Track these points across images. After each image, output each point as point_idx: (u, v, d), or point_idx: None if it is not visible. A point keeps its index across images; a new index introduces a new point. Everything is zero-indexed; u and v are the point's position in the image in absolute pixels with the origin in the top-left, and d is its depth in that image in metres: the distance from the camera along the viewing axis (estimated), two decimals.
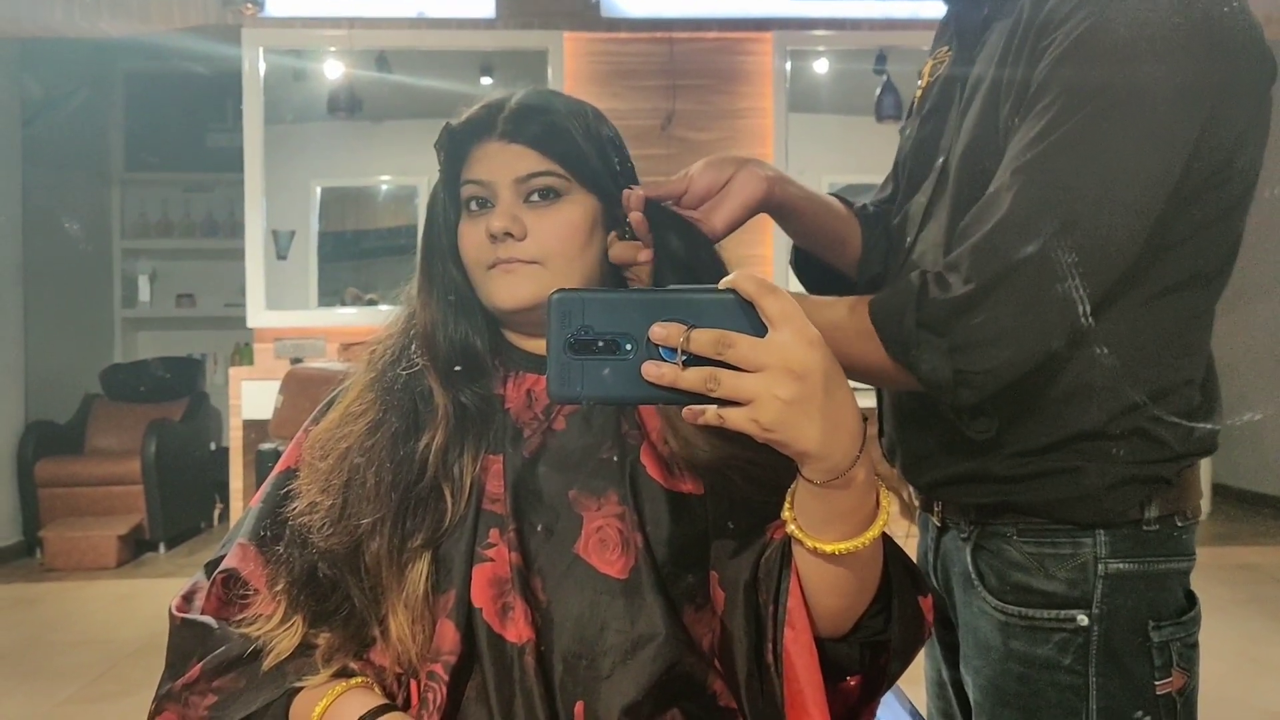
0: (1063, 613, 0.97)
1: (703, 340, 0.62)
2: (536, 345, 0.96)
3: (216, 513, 5.51)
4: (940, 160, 1.04)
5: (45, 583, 4.38)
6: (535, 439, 0.92)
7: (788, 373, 0.62)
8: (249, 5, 3.98)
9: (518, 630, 0.85)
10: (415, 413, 0.92)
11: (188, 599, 0.97)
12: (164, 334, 6.25)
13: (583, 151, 0.94)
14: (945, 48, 1.13)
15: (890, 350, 0.89)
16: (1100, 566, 0.97)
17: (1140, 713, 0.96)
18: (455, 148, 0.95)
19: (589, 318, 0.64)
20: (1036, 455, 0.96)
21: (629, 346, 0.63)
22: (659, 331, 0.63)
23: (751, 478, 0.87)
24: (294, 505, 0.91)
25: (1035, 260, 0.85)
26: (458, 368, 0.93)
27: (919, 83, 1.15)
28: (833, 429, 0.65)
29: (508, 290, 0.91)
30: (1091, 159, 0.86)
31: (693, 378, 0.62)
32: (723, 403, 0.63)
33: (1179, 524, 1.00)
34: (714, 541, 0.88)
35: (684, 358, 0.63)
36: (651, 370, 0.63)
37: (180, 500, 5.10)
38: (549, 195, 0.92)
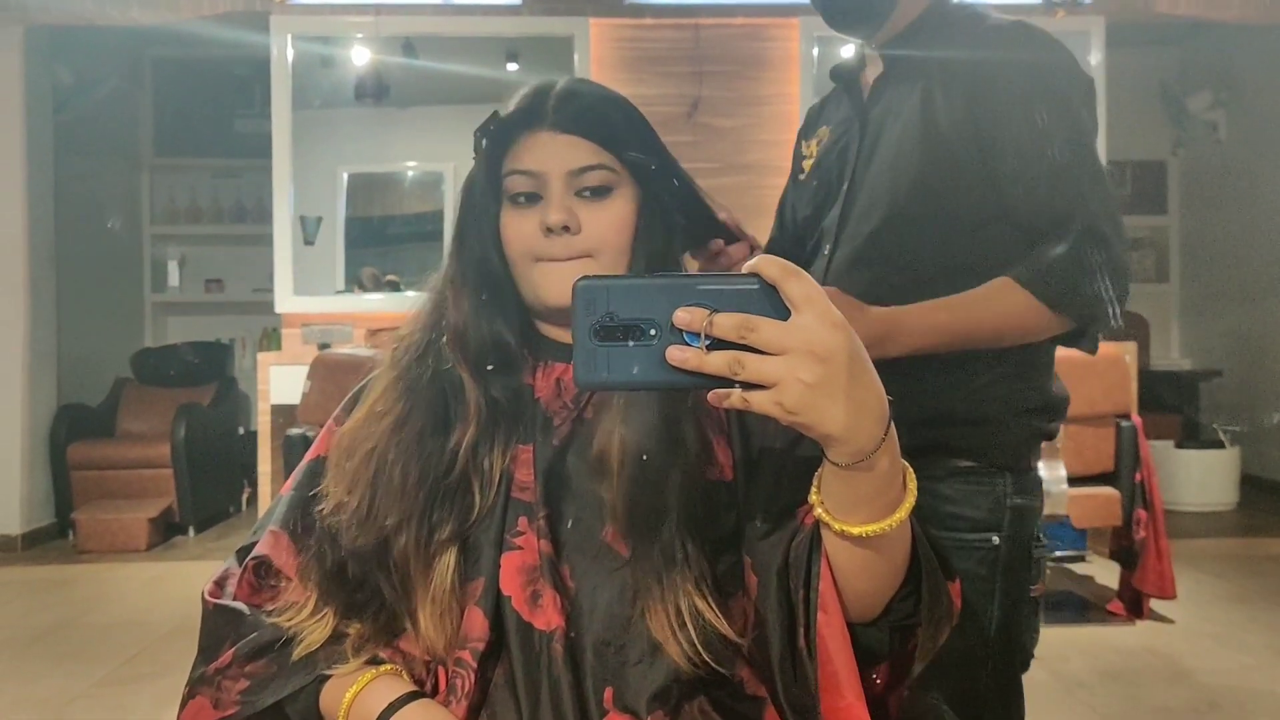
0: (981, 535, 1.29)
1: (726, 324, 0.63)
2: (568, 336, 0.96)
3: (245, 497, 5.57)
4: (844, 186, 1.39)
5: (78, 565, 4.45)
6: (565, 428, 0.93)
7: (811, 355, 0.63)
8: None
9: (546, 618, 0.86)
10: (445, 408, 0.92)
11: (220, 584, 0.98)
12: (193, 319, 6.31)
13: (632, 143, 0.93)
14: (824, 128, 1.50)
15: (1058, 303, 1.23)
16: (1008, 500, 1.31)
17: (1023, 607, 1.31)
18: (502, 136, 0.93)
19: (613, 304, 0.64)
20: (976, 416, 1.27)
21: (653, 332, 0.64)
22: (683, 316, 0.63)
23: (783, 471, 0.87)
24: (322, 505, 0.92)
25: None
26: (490, 365, 0.92)
27: (805, 156, 1.52)
28: (857, 411, 0.65)
29: (559, 288, 0.89)
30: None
31: (717, 362, 0.63)
32: (747, 386, 0.63)
33: (1034, 472, 1.38)
34: (746, 526, 0.88)
35: (708, 342, 0.63)
36: (676, 355, 0.63)
37: (209, 484, 5.17)
38: (601, 190, 0.92)
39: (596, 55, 4.52)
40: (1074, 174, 1.26)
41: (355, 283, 4.92)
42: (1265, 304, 5.74)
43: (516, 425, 0.92)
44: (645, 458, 0.86)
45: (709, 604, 0.85)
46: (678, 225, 0.96)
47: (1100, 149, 4.61)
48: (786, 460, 0.88)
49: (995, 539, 1.29)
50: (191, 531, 5.00)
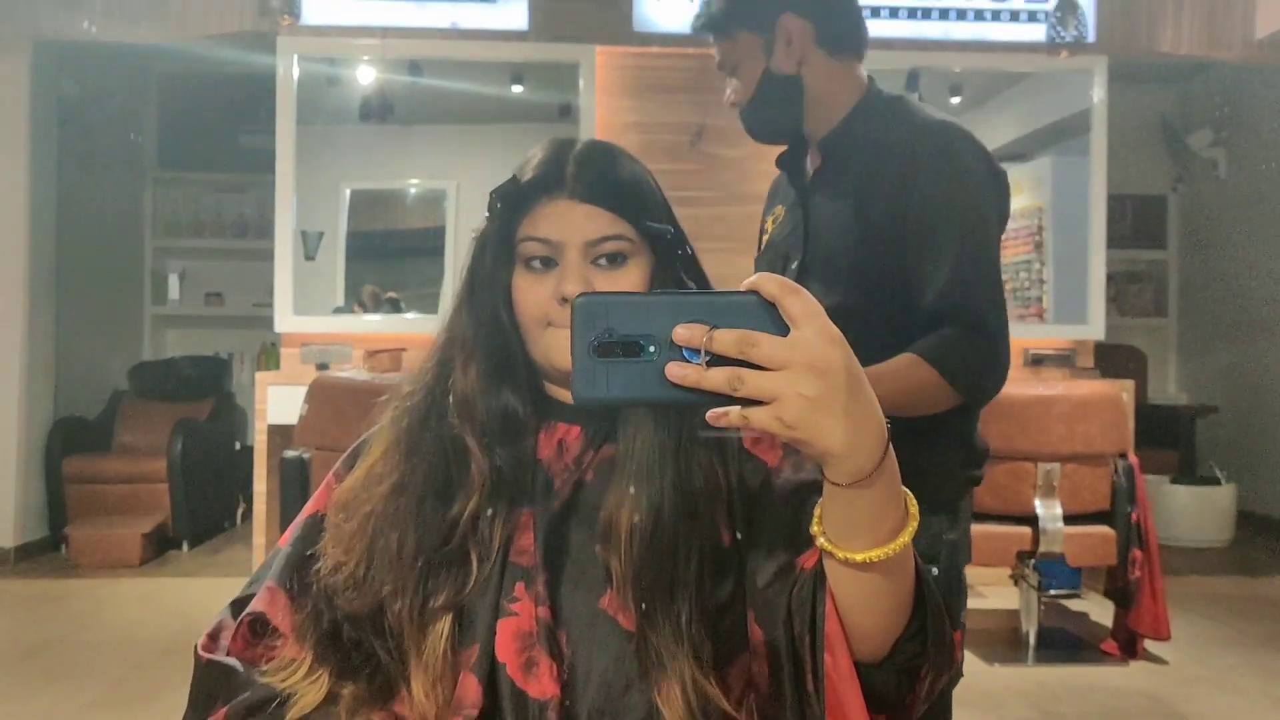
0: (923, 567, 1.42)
1: (726, 340, 0.63)
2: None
3: (240, 512, 5.55)
4: (795, 265, 1.55)
5: (71, 579, 4.44)
6: (565, 491, 0.92)
7: (811, 369, 0.63)
8: (286, 16, 4.01)
9: (541, 686, 0.85)
10: (446, 475, 0.91)
11: (213, 638, 0.97)
12: (192, 332, 6.31)
13: (649, 211, 0.93)
14: (780, 206, 1.67)
15: (955, 379, 1.41)
16: (944, 535, 1.47)
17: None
18: (519, 200, 0.93)
19: (612, 320, 0.64)
20: (912, 470, 1.30)
21: (652, 348, 0.64)
22: (682, 332, 0.63)
23: (782, 520, 0.87)
24: (319, 565, 0.92)
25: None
26: (497, 434, 0.91)
27: (765, 231, 1.71)
28: (856, 427, 0.65)
29: None
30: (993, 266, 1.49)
31: (716, 378, 0.63)
32: (746, 403, 0.63)
33: (964, 513, 1.57)
34: (748, 582, 0.87)
35: (707, 358, 0.63)
36: (675, 371, 0.63)
37: (204, 499, 5.15)
38: (617, 259, 0.92)
39: (602, 81, 4.53)
40: (971, 275, 1.44)
41: (355, 300, 4.92)
42: (1263, 341, 5.76)
43: (520, 491, 0.92)
44: (659, 530, 0.85)
45: (708, 678, 0.84)
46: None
47: (1100, 183, 4.61)
48: (785, 513, 0.88)
49: (934, 570, 1.39)
50: (185, 546, 4.98)
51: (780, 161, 1.67)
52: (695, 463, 0.90)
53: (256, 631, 0.95)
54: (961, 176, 1.47)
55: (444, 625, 0.88)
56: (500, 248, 0.94)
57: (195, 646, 0.97)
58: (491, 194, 0.94)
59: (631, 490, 0.87)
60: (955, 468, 1.53)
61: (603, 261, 0.91)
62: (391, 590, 0.88)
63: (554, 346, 0.91)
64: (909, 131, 1.50)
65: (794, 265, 1.56)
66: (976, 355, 1.43)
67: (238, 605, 0.98)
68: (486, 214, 0.95)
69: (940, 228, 1.45)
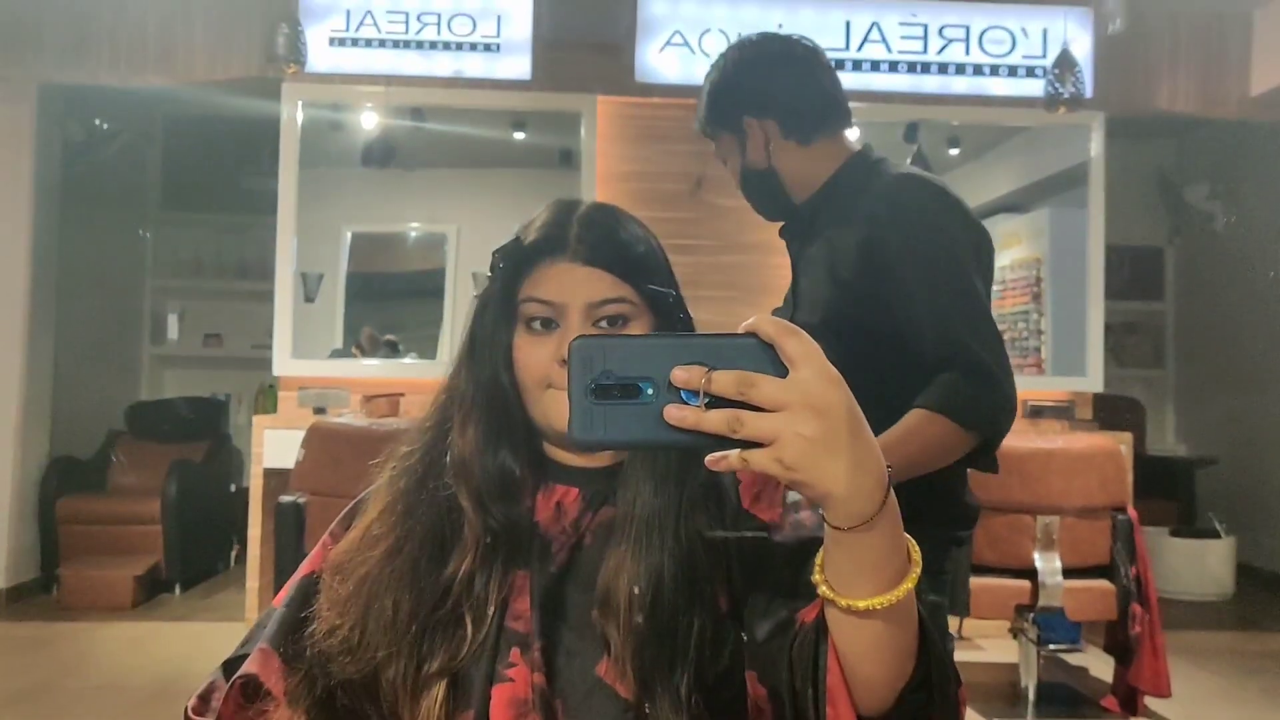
0: None
1: (725, 381, 0.62)
2: (571, 458, 0.95)
3: (233, 555, 5.51)
4: (791, 314, 1.63)
5: (61, 622, 4.39)
6: (562, 555, 0.91)
7: (810, 409, 0.62)
8: (292, 65, 4.05)
9: None
10: (441, 536, 0.91)
11: (204, 699, 0.95)
12: (190, 372, 6.30)
13: (651, 274, 0.93)
14: (788, 255, 1.75)
15: (968, 423, 1.43)
16: (923, 597, 1.38)
17: None
18: (522, 261, 0.93)
19: (610, 362, 0.64)
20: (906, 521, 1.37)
21: (650, 390, 0.63)
22: (681, 374, 0.62)
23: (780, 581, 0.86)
24: (313, 629, 0.91)
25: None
26: (494, 497, 0.91)
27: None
28: (856, 468, 0.64)
29: None
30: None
31: (715, 419, 0.62)
32: (745, 445, 0.63)
33: (947, 576, 1.58)
34: (748, 639, 0.86)
35: (706, 400, 0.62)
36: (674, 413, 0.62)
37: (198, 542, 5.11)
38: (618, 321, 0.92)
39: (603, 131, 4.57)
40: (956, 318, 1.46)
41: (354, 343, 4.93)
42: (1260, 392, 5.76)
43: (515, 554, 0.91)
44: (659, 601, 0.84)
45: None
46: None
47: (1098, 236, 4.63)
48: (785, 571, 0.87)
49: None
50: (178, 589, 4.93)
51: (781, 233, 1.76)
52: (695, 527, 0.89)
53: (249, 695, 0.93)
54: (930, 226, 1.52)
55: (438, 692, 0.87)
56: (502, 308, 0.94)
57: (185, 709, 0.95)
58: (494, 254, 0.94)
59: (630, 557, 0.86)
60: (938, 526, 1.52)
61: (604, 324, 0.91)
62: (386, 656, 0.87)
63: (553, 408, 0.91)
64: (879, 189, 1.57)
65: (791, 314, 1.64)
66: (982, 395, 1.44)
67: (230, 666, 0.97)
68: (489, 273, 0.95)
69: (915, 278, 1.49)
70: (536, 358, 0.91)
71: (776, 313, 1.75)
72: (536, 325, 0.92)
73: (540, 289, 0.92)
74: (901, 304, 1.49)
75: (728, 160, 1.72)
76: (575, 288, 0.91)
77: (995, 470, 1.56)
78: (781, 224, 1.75)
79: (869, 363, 1.47)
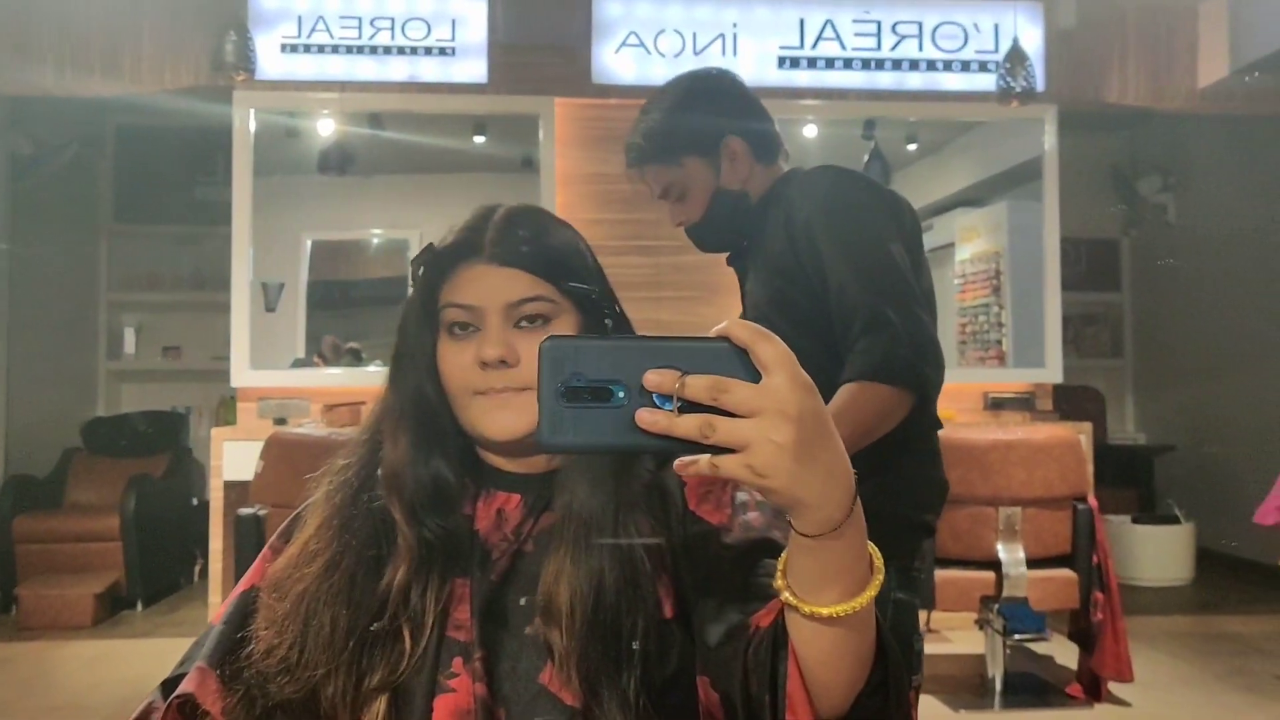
0: None
1: (698, 385, 0.61)
2: (511, 464, 0.95)
3: (197, 569, 5.44)
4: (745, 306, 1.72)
5: (19, 642, 4.31)
6: (504, 562, 0.90)
7: (783, 416, 0.61)
8: (241, 72, 4.00)
9: None
10: (377, 549, 0.90)
11: None
12: (149, 386, 6.20)
13: (571, 271, 0.92)
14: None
15: (893, 379, 1.44)
16: (891, 594, 1.43)
17: None
18: (438, 267, 0.93)
19: (581, 365, 0.63)
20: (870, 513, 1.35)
21: (621, 394, 0.62)
22: (653, 378, 0.62)
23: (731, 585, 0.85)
24: (250, 649, 0.89)
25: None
26: (426, 506, 0.90)
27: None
28: (826, 475, 0.63)
29: (501, 423, 0.89)
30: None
31: (687, 424, 0.61)
32: (716, 450, 0.62)
33: (919, 573, 1.55)
34: (699, 646, 0.85)
35: (678, 405, 0.62)
36: (646, 417, 0.61)
37: (160, 557, 5.04)
38: (538, 320, 0.91)
39: (562, 133, 4.56)
40: (871, 287, 1.50)
41: (316, 352, 4.88)
42: (1216, 380, 5.85)
43: (453, 564, 0.90)
44: (600, 605, 0.84)
45: None
46: None
47: (1054, 228, 4.68)
48: (735, 574, 0.86)
49: None
50: (139, 606, 4.86)
51: (730, 262, 1.82)
52: (636, 529, 0.88)
53: (186, 715, 0.91)
54: (843, 205, 1.59)
55: (379, 707, 0.85)
56: (423, 315, 0.93)
57: None
58: (412, 262, 0.94)
59: (569, 561, 0.85)
60: (905, 512, 1.55)
61: (524, 323, 0.91)
62: (325, 673, 0.86)
63: (480, 416, 0.90)
64: (796, 183, 1.67)
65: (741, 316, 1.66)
66: (898, 350, 1.46)
67: (168, 685, 0.95)
68: (410, 283, 0.95)
69: (832, 260, 1.54)
70: (460, 363, 0.91)
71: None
72: (457, 330, 0.91)
73: (458, 293, 0.91)
74: (822, 283, 1.55)
75: (688, 190, 1.71)
76: (492, 289, 0.90)
77: (939, 426, 1.61)
78: (726, 255, 1.82)
79: (812, 350, 1.50)
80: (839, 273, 1.53)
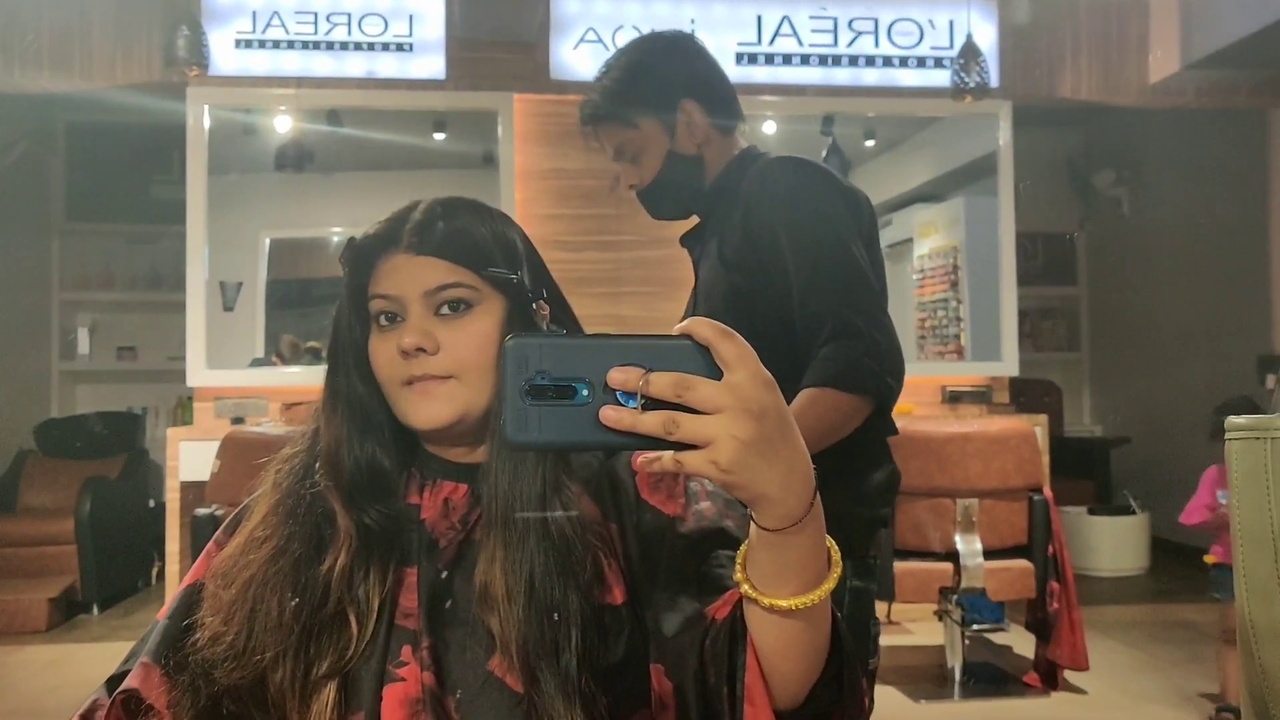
0: None
1: (662, 383, 0.62)
2: (455, 454, 0.95)
3: (155, 571, 5.37)
4: (691, 309, 1.69)
5: None
6: (451, 550, 0.91)
7: (746, 413, 0.62)
8: (194, 68, 3.95)
9: None
10: (320, 535, 0.90)
11: (86, 718, 0.93)
12: (104, 387, 6.12)
13: (491, 256, 0.92)
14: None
15: (854, 388, 1.45)
16: (848, 583, 1.46)
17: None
18: (360, 262, 0.94)
19: (545, 363, 0.63)
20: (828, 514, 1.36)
21: (586, 391, 0.63)
22: (618, 376, 0.62)
23: (683, 574, 0.86)
24: (196, 637, 0.89)
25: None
26: (363, 489, 0.91)
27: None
28: (788, 471, 0.65)
29: (425, 412, 0.90)
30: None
31: (651, 422, 0.62)
32: (680, 447, 0.63)
33: (874, 561, 1.58)
34: (653, 635, 0.86)
35: (642, 402, 0.63)
36: (610, 415, 0.62)
37: (116, 559, 4.97)
38: (459, 306, 0.91)
39: (521, 129, 4.54)
40: (830, 289, 1.50)
41: (275, 351, 4.83)
42: (1170, 372, 5.94)
43: (394, 550, 0.90)
44: (535, 588, 0.84)
45: None
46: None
47: (1009, 223, 4.71)
48: (689, 563, 0.87)
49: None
50: (96, 610, 4.79)
51: (682, 240, 1.78)
52: (567, 509, 0.88)
53: (130, 710, 0.91)
54: (802, 202, 1.57)
55: (328, 694, 0.85)
56: (353, 309, 0.94)
57: None
58: (339, 257, 0.95)
59: (500, 547, 0.86)
60: (861, 506, 1.56)
61: (445, 310, 0.91)
62: (273, 658, 0.85)
63: (409, 408, 0.90)
64: (754, 174, 1.62)
65: (692, 310, 1.66)
66: (860, 358, 1.46)
67: (113, 682, 0.94)
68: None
69: (792, 258, 1.53)
70: (386, 354, 0.91)
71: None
72: (383, 320, 0.92)
73: (381, 284, 0.92)
74: (783, 284, 1.54)
75: (641, 152, 1.67)
76: (410, 278, 0.91)
77: (894, 431, 1.61)
78: (685, 232, 1.78)
79: (767, 348, 1.51)
80: (803, 276, 1.52)
